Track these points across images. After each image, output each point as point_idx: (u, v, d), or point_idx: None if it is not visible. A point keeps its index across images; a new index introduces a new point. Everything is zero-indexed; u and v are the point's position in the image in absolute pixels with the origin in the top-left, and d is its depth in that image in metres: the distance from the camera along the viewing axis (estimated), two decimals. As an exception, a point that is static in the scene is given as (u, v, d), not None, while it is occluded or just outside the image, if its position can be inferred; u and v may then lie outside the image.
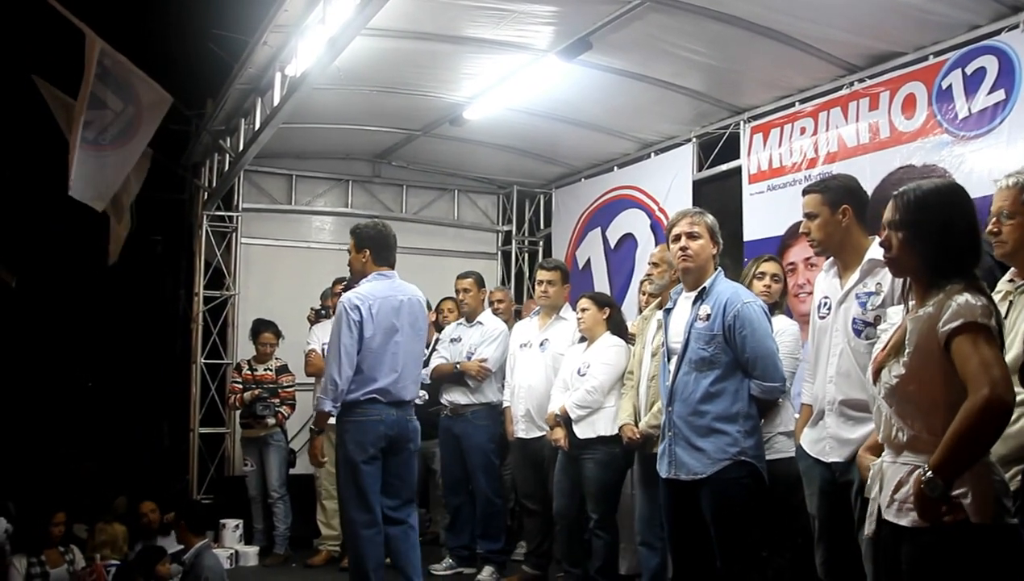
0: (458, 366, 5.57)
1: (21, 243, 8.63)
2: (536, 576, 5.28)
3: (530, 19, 4.96)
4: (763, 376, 3.40)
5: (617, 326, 4.83)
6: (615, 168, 7.33)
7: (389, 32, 5.03)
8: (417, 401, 4.54)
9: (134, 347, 9.57)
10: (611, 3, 4.73)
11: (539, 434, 5.09)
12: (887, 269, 2.58)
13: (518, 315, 6.89)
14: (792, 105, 5.61)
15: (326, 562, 5.99)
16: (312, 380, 6.16)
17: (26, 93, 6.54)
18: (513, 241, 8.67)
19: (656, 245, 5.72)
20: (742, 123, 6.00)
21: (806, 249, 4.79)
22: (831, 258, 3.15)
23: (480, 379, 5.51)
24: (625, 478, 4.75)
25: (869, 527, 2.31)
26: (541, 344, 5.25)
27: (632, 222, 7.03)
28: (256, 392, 6.27)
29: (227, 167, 6.99)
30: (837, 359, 3.00)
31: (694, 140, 6.47)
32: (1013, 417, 2.37)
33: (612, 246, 7.28)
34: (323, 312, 6.33)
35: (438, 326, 6.23)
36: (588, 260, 7.55)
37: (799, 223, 3.29)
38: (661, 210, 6.61)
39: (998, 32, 4.40)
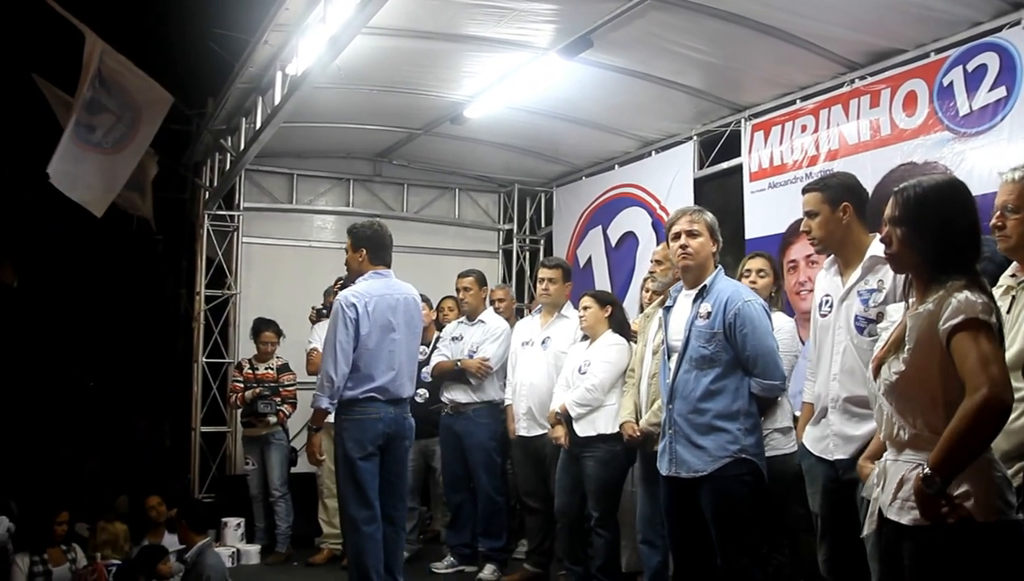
0: (459, 364, 5.59)
1: (22, 243, 8.63)
2: (537, 574, 5.29)
3: (531, 17, 4.96)
4: (764, 374, 3.40)
5: (619, 324, 4.83)
6: (616, 166, 7.32)
7: (390, 31, 5.02)
8: (417, 399, 4.54)
9: (135, 346, 9.56)
10: (612, 1, 4.72)
11: (540, 432, 5.10)
12: (888, 266, 2.58)
13: (519, 313, 6.88)
14: (793, 102, 5.60)
15: (328, 560, 6.00)
16: (313, 379, 6.14)
17: (26, 92, 6.55)
18: (514, 239, 8.67)
19: (657, 243, 5.74)
20: (743, 121, 5.99)
21: (807, 246, 4.73)
22: (832, 256, 3.14)
23: (481, 377, 5.51)
24: (626, 476, 4.75)
25: (868, 527, 2.31)
26: (543, 342, 5.25)
27: (633, 220, 7.03)
28: (257, 391, 6.28)
29: (228, 166, 6.99)
30: (840, 356, 2.98)
31: (695, 138, 6.47)
32: (1016, 413, 2.38)
33: (613, 244, 7.28)
34: (324, 311, 6.32)
35: (439, 325, 6.23)
36: (589, 258, 7.55)
37: (800, 221, 3.27)
38: (662, 208, 6.61)
39: (999, 29, 4.38)
